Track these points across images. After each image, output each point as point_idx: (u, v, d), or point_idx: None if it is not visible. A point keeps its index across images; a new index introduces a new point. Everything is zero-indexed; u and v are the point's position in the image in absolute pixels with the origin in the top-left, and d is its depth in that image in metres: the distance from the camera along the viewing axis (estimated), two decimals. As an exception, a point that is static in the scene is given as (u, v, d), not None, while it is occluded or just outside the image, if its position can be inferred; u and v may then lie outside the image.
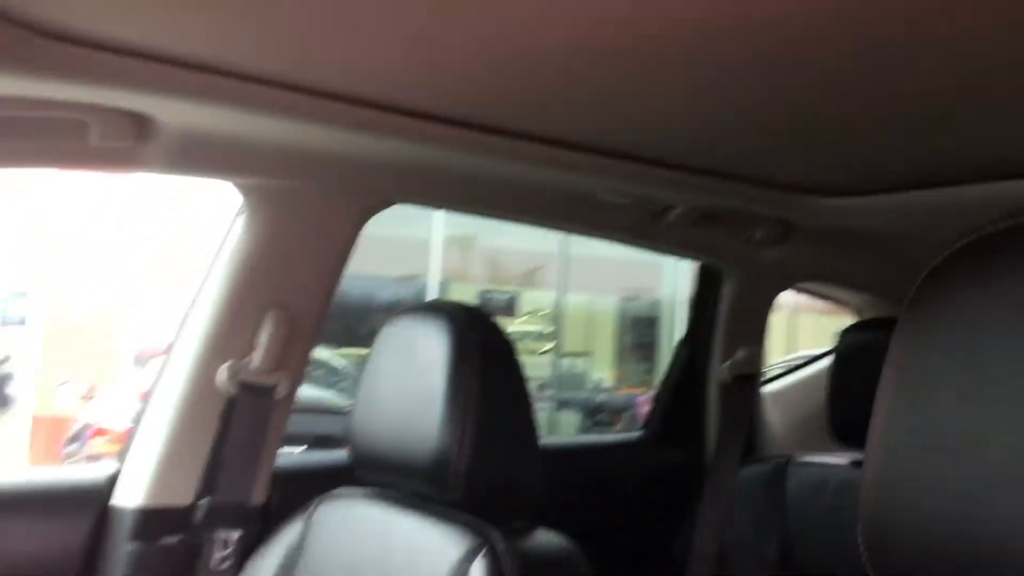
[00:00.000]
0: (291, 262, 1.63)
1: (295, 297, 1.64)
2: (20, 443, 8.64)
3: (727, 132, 1.49)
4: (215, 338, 1.60)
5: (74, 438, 5.83)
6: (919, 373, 0.64)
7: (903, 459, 0.65)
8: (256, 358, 1.60)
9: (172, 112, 1.34)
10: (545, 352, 9.91)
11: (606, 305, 10.60)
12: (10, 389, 9.61)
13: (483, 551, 1.18)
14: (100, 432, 5.40)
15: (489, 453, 1.27)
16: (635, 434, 2.36)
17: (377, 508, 1.35)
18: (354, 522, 1.37)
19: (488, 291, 10.03)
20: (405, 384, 1.32)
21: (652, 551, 2.15)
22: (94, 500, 1.57)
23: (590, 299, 10.38)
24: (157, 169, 1.45)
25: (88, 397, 7.09)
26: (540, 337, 10.03)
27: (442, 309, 1.34)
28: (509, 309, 10.04)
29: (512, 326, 10.01)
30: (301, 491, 1.49)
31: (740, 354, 2.19)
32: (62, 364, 8.84)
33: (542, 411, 9.37)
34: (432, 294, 9.46)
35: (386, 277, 9.65)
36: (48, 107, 1.27)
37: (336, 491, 1.43)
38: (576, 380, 10.02)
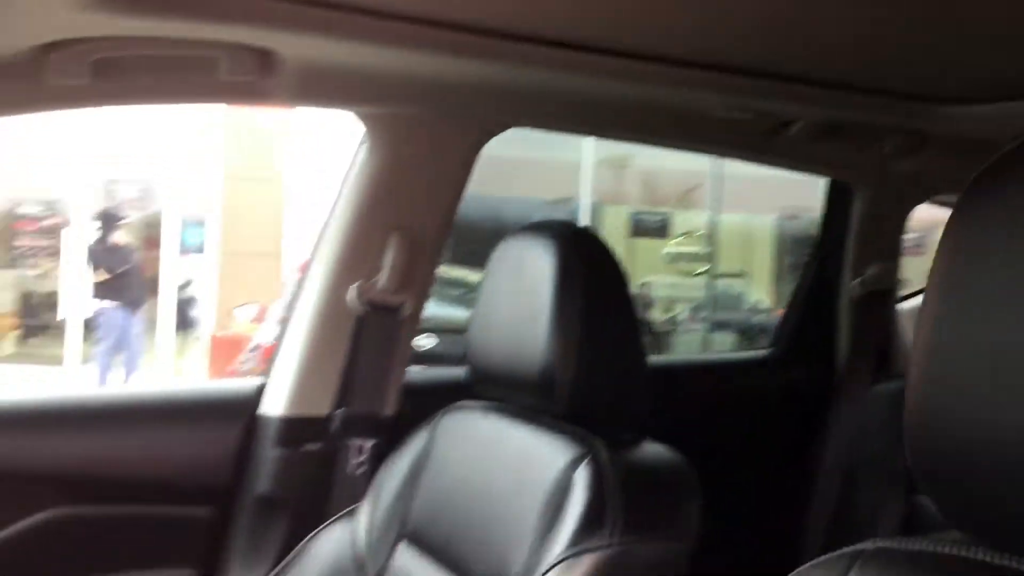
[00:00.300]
0: (412, 186, 1.70)
1: (417, 220, 1.71)
2: (201, 362, 9.29)
3: (850, 41, 1.44)
4: (344, 260, 1.70)
5: (247, 357, 6.23)
6: (964, 278, 0.64)
7: (948, 364, 0.65)
8: (382, 279, 1.69)
9: (295, 46, 1.42)
10: (700, 273, 9.80)
11: (764, 225, 10.34)
12: (192, 312, 10.32)
13: (586, 460, 1.23)
14: (267, 350, 5.74)
15: (593, 367, 1.31)
16: (764, 351, 2.35)
17: (492, 420, 1.43)
18: (472, 433, 1.45)
19: (640, 213, 9.95)
20: (515, 303, 1.37)
21: (780, 468, 2.15)
22: (244, 410, 1.71)
23: (747, 219, 10.14)
24: (283, 101, 1.54)
25: (260, 319, 7.51)
26: (695, 258, 9.90)
27: (549, 229, 1.38)
28: (662, 230, 9.95)
29: (666, 247, 9.92)
30: (429, 404, 1.57)
31: (873, 270, 2.14)
32: (237, 288, 9.39)
33: (696, 332, 9.31)
34: (584, 217, 9.47)
35: (539, 200, 9.72)
36: (179, 46, 1.36)
37: (457, 404, 1.51)
38: (732, 301, 9.86)
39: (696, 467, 1.32)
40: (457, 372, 1.90)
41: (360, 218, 1.69)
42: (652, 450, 1.33)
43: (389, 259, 1.69)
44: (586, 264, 1.34)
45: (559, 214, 9.45)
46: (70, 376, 9.52)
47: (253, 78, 1.43)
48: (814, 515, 2.06)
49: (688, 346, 9.27)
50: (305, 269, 1.77)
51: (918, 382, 0.67)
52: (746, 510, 2.07)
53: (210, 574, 1.67)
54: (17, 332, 10.60)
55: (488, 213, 8.83)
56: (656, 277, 9.76)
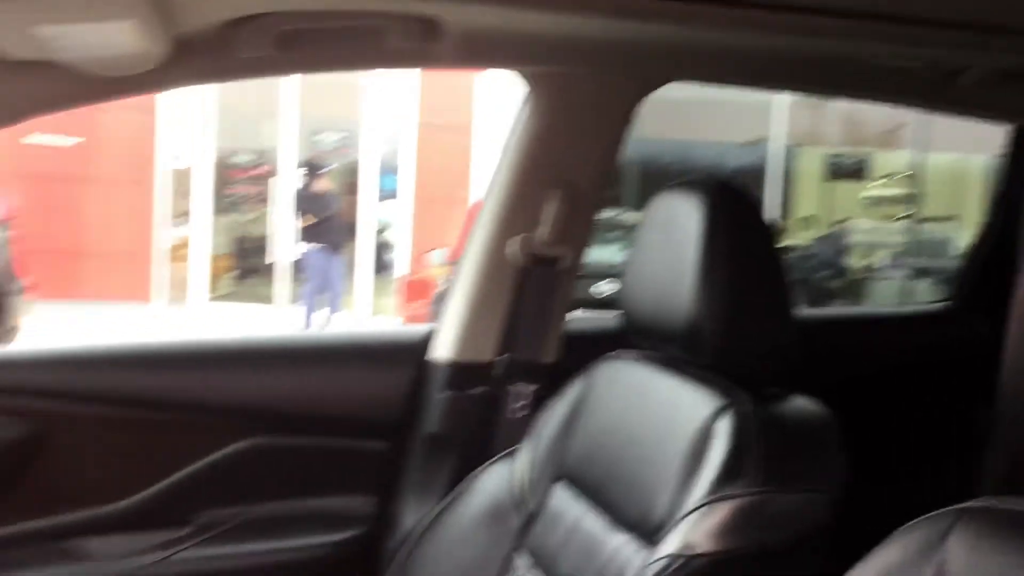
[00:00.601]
0: (573, 142, 1.76)
1: (576, 175, 1.77)
2: (394, 303, 9.72)
3: None
4: (507, 214, 1.78)
5: (437, 300, 6.49)
6: None
7: None
8: (542, 232, 1.77)
9: (458, 13, 1.49)
10: (903, 218, 9.33)
11: (976, 165, 9.71)
12: (388, 255, 10.81)
13: (729, 411, 1.27)
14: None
15: (739, 321, 1.34)
16: (940, 304, 2.27)
17: (643, 370, 1.48)
18: (625, 382, 1.51)
19: (837, 154, 9.55)
20: (664, 257, 1.41)
21: (954, 425, 2.10)
22: (415, 354, 1.84)
23: (957, 159, 9.54)
24: (447, 64, 1.62)
25: (450, 263, 7.77)
26: (897, 201, 9.43)
27: (699, 185, 1.40)
28: (860, 172, 9.52)
29: (864, 191, 9.50)
30: (587, 351, 1.63)
31: None
32: (430, 233, 9.74)
33: (894, 280, 8.91)
34: (775, 160, 9.19)
35: (730, 144, 9.50)
36: (352, 17, 1.46)
37: (612, 353, 1.56)
38: (938, 247, 9.35)
39: (863, 422, 1.32)
40: (613, 321, 1.97)
41: (523, 174, 1.76)
42: (797, 403, 1.35)
43: (549, 213, 1.76)
44: (733, 218, 1.36)
45: (750, 157, 9.22)
46: (280, 314, 10.21)
47: (419, 44, 1.51)
48: (987, 476, 2.00)
49: (885, 295, 8.90)
50: (474, 221, 1.87)
51: (1015, 352, 0.68)
52: (915, 468, 2.04)
53: (386, 502, 1.82)
54: (233, 273, 11.46)
55: (677, 158, 8.73)
56: (854, 222, 9.38)
